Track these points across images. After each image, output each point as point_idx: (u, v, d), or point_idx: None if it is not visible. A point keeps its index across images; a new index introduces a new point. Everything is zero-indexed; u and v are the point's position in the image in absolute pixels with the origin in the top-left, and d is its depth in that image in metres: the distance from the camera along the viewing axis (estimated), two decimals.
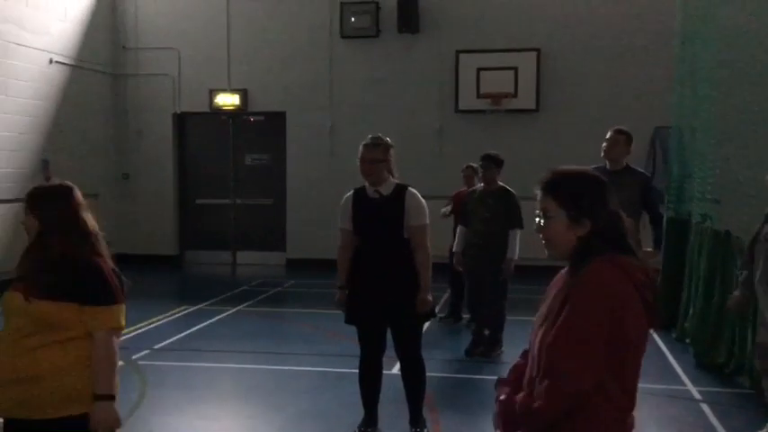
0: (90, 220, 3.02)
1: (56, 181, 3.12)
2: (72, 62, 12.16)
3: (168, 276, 12.69)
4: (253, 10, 13.05)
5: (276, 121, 13.23)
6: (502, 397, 2.39)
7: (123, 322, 3.00)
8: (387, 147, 4.79)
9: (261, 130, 13.57)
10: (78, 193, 3.04)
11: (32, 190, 3.05)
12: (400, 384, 5.00)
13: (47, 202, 3.00)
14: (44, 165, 11.31)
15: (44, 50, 11.46)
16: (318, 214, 12.17)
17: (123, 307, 2.99)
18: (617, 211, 2.32)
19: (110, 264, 3.00)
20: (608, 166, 5.83)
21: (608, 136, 5.95)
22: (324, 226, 11.39)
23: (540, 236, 2.35)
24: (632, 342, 2.19)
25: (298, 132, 13.07)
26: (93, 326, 2.89)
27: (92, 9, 12.74)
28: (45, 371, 2.85)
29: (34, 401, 2.86)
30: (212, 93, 13.18)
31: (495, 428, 2.39)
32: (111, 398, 2.91)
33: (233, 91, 13.16)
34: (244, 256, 13.57)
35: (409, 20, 12.37)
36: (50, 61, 11.60)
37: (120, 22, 13.39)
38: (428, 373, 5.01)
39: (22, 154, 11.06)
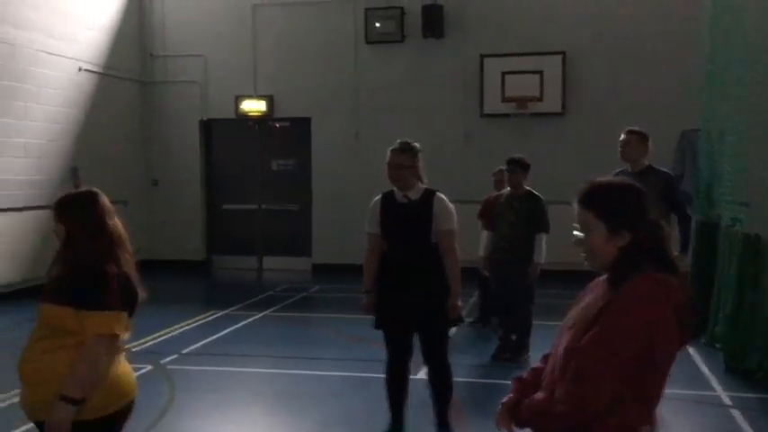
0: (117, 226, 3.05)
1: (84, 188, 3.15)
2: (100, 70, 12.32)
3: (195, 281, 12.79)
4: (278, 16, 13.14)
5: (302, 126, 13.29)
6: (505, 399, 2.41)
7: (116, 330, 2.90)
8: (415, 152, 4.79)
9: (286, 135, 13.63)
10: (104, 200, 3.07)
11: (60, 197, 3.08)
12: (427, 389, 5.00)
13: (73, 208, 3.03)
14: (73, 172, 11.46)
15: (73, 59, 11.62)
16: (344, 219, 12.21)
17: (120, 315, 2.92)
18: (656, 220, 2.30)
19: (125, 270, 2.98)
20: (629, 169, 5.79)
21: (621, 138, 5.93)
22: (349, 231, 11.45)
23: (580, 248, 2.33)
24: (661, 359, 2.18)
25: (323, 138, 13.12)
26: (86, 330, 2.85)
27: (120, 17, 12.91)
28: (57, 374, 2.84)
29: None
30: (238, 99, 13.29)
31: (498, 428, 2.41)
32: (75, 403, 2.81)
33: (259, 97, 13.26)
34: (270, 262, 13.64)
35: (434, 24, 12.38)
36: (79, 69, 11.77)
37: (147, 29, 13.56)
38: (455, 378, 4.99)
39: (52, 161, 11.22)
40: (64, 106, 11.49)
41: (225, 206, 13.82)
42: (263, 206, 13.65)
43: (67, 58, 11.50)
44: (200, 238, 13.77)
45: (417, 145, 4.84)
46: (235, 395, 6.12)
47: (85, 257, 2.93)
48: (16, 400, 5.22)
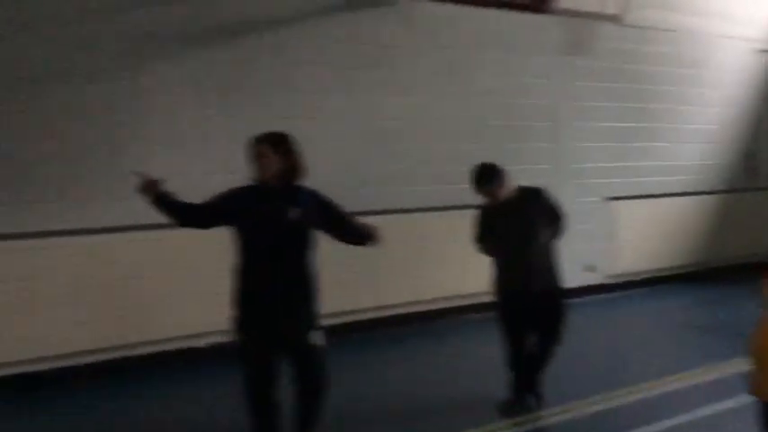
0: None
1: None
2: None
3: None
4: None
5: None
6: None
7: None
8: None
9: None
10: None
11: None
12: None
13: None
14: (750, 156, 11.27)
15: (749, 40, 11.34)
16: None
17: None
18: None
19: None
20: None
21: None
22: None
23: None
24: None
25: None
26: None
27: None
28: None
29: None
30: None
31: None
32: None
33: None
34: None
35: None
36: (755, 50, 11.40)
37: None
38: None
39: (726, 146, 11.22)
40: (739, 89, 11.32)
41: None
42: None
43: (742, 40, 11.26)
44: None
45: None
46: None
47: None
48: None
